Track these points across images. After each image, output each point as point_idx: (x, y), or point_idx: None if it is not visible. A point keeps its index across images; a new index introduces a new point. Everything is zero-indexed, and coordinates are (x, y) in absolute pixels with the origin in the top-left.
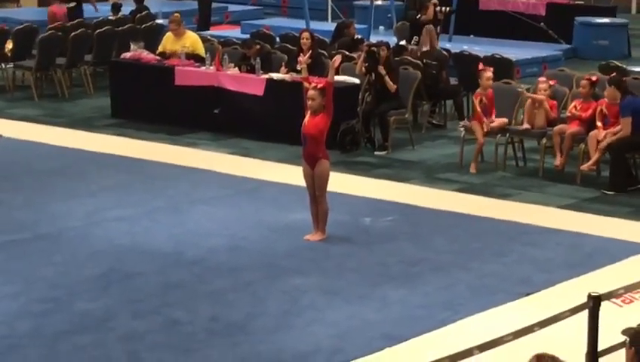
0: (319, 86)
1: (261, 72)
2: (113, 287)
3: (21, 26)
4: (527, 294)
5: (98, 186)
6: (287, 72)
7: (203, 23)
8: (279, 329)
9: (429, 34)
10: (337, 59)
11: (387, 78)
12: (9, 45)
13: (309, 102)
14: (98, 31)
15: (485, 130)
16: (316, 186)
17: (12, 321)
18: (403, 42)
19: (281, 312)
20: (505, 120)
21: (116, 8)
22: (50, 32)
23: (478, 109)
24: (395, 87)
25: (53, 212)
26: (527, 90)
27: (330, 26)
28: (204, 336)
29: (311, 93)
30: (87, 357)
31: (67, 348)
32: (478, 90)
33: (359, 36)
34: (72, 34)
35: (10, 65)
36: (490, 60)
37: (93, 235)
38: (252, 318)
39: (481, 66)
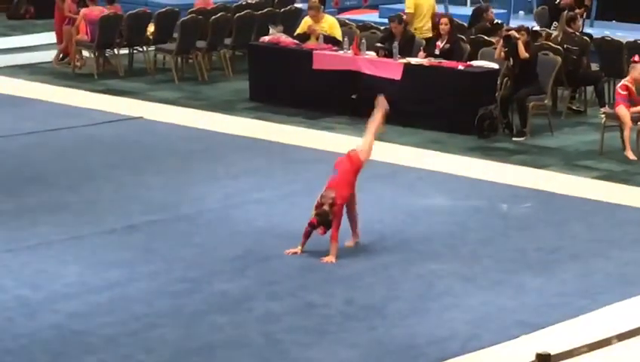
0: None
1: (399, 56)
2: (251, 269)
3: (163, 10)
4: None
5: (237, 169)
6: (425, 57)
7: None
8: (414, 314)
9: (564, 20)
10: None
11: (520, 44)
12: (151, 28)
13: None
14: (238, 15)
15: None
16: None
17: (152, 300)
18: (537, 28)
19: (417, 297)
20: None
21: None
22: (190, 15)
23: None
24: (528, 55)
25: (193, 193)
26: None
27: (468, 10)
28: (339, 319)
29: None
30: (224, 336)
31: (205, 328)
32: (626, 81)
33: (498, 21)
34: (212, 18)
35: (152, 48)
36: (633, 46)
37: (232, 217)
38: (387, 302)
39: (636, 58)
